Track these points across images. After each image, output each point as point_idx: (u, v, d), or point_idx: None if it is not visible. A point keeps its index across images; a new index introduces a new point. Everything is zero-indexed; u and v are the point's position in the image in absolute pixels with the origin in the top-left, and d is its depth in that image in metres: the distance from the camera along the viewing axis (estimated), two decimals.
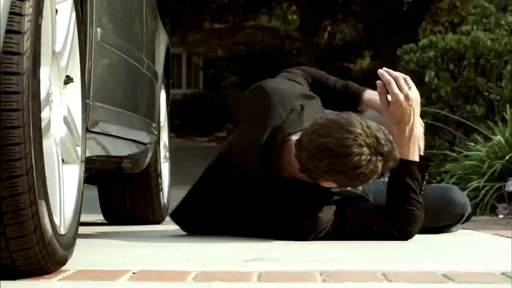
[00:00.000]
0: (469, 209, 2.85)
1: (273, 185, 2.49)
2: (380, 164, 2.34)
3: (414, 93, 2.55)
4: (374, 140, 2.33)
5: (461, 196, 2.85)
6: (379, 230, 2.53)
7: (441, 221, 2.79)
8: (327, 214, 2.48)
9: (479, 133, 4.67)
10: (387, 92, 2.55)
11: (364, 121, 2.36)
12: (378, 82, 2.55)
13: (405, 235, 2.53)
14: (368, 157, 2.32)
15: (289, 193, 2.50)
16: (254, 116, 2.59)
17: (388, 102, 2.55)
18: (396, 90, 2.53)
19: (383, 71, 2.56)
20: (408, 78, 2.56)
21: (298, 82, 2.74)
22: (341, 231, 2.51)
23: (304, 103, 2.59)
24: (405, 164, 2.52)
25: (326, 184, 2.43)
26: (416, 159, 2.56)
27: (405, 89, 2.53)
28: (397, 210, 2.54)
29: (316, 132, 2.37)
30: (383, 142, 2.34)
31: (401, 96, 2.52)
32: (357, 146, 2.32)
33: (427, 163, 2.58)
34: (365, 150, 2.32)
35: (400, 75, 2.55)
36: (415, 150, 2.57)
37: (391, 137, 2.38)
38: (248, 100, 2.65)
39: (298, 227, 2.49)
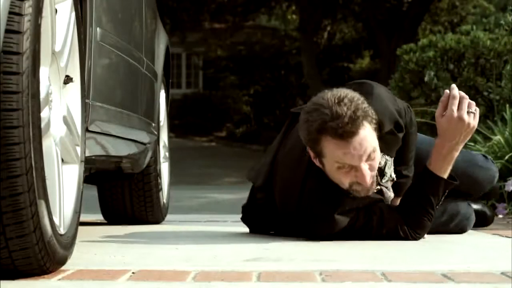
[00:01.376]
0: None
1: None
2: (344, 109, 2.35)
3: (473, 121, 2.56)
4: (336, 98, 2.37)
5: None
6: (387, 232, 2.56)
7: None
8: (344, 218, 2.52)
9: (479, 132, 4.67)
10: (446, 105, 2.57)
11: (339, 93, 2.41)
12: (446, 91, 2.58)
13: (411, 239, 2.59)
14: (326, 111, 2.34)
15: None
16: None
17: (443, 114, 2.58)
18: (454, 106, 2.54)
19: (455, 86, 2.58)
20: (474, 105, 2.57)
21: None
22: (351, 230, 2.54)
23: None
24: (432, 178, 2.56)
25: (330, 160, 2.42)
26: (445, 176, 2.58)
27: (463, 111, 2.54)
28: (411, 217, 2.59)
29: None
30: (344, 99, 2.37)
31: (455, 114, 2.53)
32: (323, 104, 2.37)
33: (452, 181, 2.60)
34: (328, 102, 2.37)
35: (466, 98, 2.56)
36: (447, 170, 2.58)
37: (358, 106, 2.37)
38: None
39: (316, 226, 2.55)
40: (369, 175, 2.40)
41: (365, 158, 2.38)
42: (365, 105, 2.38)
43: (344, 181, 2.43)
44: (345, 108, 2.34)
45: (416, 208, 2.58)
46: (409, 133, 2.69)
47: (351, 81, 2.74)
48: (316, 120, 2.36)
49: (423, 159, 2.67)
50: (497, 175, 3.06)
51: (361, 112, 2.36)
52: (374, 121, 2.40)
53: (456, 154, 2.59)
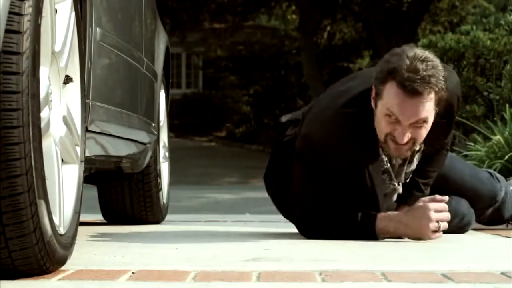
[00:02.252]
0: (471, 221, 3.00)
1: None
2: (423, 67, 2.40)
3: (433, 235, 2.56)
4: (424, 56, 2.44)
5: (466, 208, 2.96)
6: None
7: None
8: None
9: (479, 133, 4.68)
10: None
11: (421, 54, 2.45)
12: (439, 197, 2.59)
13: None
14: (407, 61, 2.41)
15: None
16: None
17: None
18: (435, 215, 2.55)
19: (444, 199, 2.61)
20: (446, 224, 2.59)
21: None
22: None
23: None
24: (370, 220, 2.60)
25: (384, 104, 2.45)
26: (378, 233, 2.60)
27: (435, 223, 2.55)
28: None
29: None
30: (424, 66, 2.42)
31: (432, 218, 2.54)
32: (408, 53, 2.44)
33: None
34: (414, 54, 2.44)
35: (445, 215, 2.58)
36: (386, 232, 2.61)
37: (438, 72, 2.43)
38: None
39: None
40: (407, 136, 2.44)
41: (413, 120, 2.43)
42: (443, 79, 2.43)
43: (384, 128, 2.48)
44: (424, 67, 2.40)
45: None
46: (442, 152, 2.74)
47: None
48: (393, 63, 2.43)
49: (447, 181, 2.77)
50: (501, 192, 3.04)
51: (435, 81, 2.41)
52: (441, 97, 2.45)
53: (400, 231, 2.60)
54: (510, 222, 3.14)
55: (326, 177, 2.58)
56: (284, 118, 2.88)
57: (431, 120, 2.47)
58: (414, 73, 2.40)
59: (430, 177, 2.76)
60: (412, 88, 2.39)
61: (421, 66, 2.41)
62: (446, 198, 2.59)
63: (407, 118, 2.42)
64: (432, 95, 2.42)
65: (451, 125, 2.71)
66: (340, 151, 2.55)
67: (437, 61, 2.46)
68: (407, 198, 2.70)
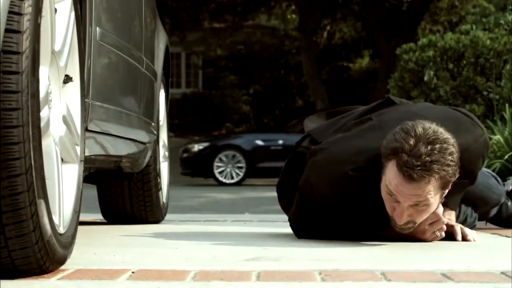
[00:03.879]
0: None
1: None
2: (426, 152, 2.26)
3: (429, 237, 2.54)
4: (432, 137, 2.30)
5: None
6: None
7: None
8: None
9: None
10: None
11: (430, 129, 2.31)
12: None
13: None
14: (412, 141, 2.28)
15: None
16: None
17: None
18: (433, 227, 2.52)
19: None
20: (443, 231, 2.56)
21: None
22: None
23: None
24: None
25: (385, 181, 2.36)
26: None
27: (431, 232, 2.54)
28: None
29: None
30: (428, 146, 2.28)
31: (427, 232, 2.52)
32: (416, 132, 2.31)
33: None
34: (421, 135, 2.30)
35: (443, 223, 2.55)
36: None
37: (449, 158, 2.29)
38: None
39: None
40: (405, 217, 2.35)
41: (411, 203, 2.34)
42: (451, 163, 2.29)
43: (386, 204, 2.39)
44: (428, 152, 2.25)
45: None
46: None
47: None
48: (397, 141, 2.30)
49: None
50: (503, 198, 3.09)
51: (437, 168, 2.26)
52: (447, 182, 2.32)
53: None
54: (487, 221, 3.16)
55: (323, 213, 2.56)
56: (307, 128, 2.79)
57: (435, 202, 2.36)
58: (415, 157, 2.26)
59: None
60: (409, 174, 2.26)
61: (424, 150, 2.26)
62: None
63: (405, 200, 2.33)
64: (433, 181, 2.28)
65: (473, 181, 2.62)
66: (341, 209, 2.50)
67: (448, 142, 2.30)
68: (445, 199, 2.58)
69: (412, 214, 2.36)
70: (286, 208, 2.81)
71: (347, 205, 2.49)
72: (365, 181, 2.42)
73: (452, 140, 2.31)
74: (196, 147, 14.23)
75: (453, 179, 2.33)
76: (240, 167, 13.93)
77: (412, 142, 2.27)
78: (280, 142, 14.00)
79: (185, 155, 14.22)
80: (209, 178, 13.97)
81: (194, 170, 13.83)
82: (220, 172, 13.89)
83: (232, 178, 13.87)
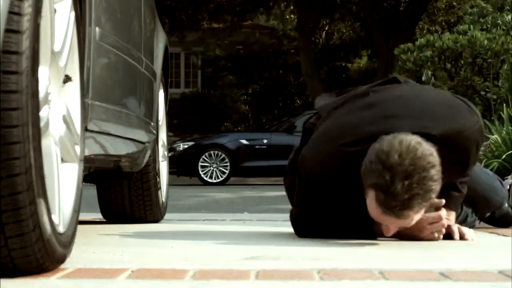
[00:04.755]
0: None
1: None
2: (404, 190, 2.21)
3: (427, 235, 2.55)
4: (408, 171, 2.22)
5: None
6: None
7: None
8: None
9: None
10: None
11: (411, 152, 2.24)
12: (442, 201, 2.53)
13: None
14: (388, 177, 2.22)
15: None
16: None
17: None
18: (432, 227, 2.53)
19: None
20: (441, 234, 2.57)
21: None
22: None
23: None
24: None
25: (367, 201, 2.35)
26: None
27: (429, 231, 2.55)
28: None
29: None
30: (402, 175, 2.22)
31: (426, 230, 2.53)
32: (391, 163, 2.24)
33: None
34: (397, 167, 2.23)
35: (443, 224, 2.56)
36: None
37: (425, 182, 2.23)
38: None
39: None
40: (390, 233, 2.38)
41: (397, 227, 2.36)
42: (434, 183, 2.24)
43: (372, 214, 2.36)
44: (405, 189, 2.20)
45: None
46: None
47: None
48: (374, 174, 2.24)
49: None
50: (505, 202, 3.10)
51: (418, 201, 2.23)
52: (429, 201, 2.29)
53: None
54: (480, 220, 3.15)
55: (320, 191, 2.55)
56: (316, 105, 2.76)
57: (418, 216, 2.33)
58: (392, 197, 2.21)
59: (467, 175, 2.68)
60: (388, 213, 2.26)
61: (402, 188, 2.19)
62: (443, 201, 2.54)
63: (389, 224, 2.34)
64: (415, 210, 2.26)
65: (466, 167, 2.59)
66: (332, 184, 2.49)
67: (427, 165, 2.23)
68: (446, 200, 2.56)
69: (398, 227, 2.38)
70: (288, 186, 2.80)
71: (338, 181, 2.45)
72: (355, 156, 2.37)
73: (430, 156, 2.25)
74: (181, 146, 14.23)
75: (437, 193, 2.28)
76: (225, 166, 13.92)
77: (388, 177, 2.21)
78: (265, 141, 14.00)
79: (170, 154, 14.25)
80: (194, 177, 13.97)
81: (179, 169, 13.82)
82: (205, 171, 13.88)
83: (218, 177, 13.87)
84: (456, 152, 2.44)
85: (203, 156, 13.93)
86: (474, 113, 2.52)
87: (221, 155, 13.96)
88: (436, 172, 2.25)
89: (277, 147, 13.86)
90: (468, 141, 2.49)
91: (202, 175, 13.86)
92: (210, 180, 13.82)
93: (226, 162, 13.93)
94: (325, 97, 2.83)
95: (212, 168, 13.92)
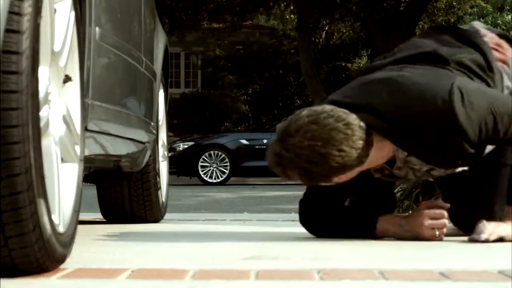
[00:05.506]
0: None
1: None
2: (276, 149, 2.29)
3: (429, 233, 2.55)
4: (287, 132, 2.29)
5: None
6: None
7: None
8: None
9: None
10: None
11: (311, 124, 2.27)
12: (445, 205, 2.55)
13: None
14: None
15: None
16: None
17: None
18: (430, 221, 2.54)
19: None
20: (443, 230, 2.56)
21: None
22: None
23: None
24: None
25: None
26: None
27: (429, 227, 2.54)
28: None
29: None
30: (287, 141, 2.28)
31: (425, 223, 2.52)
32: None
33: None
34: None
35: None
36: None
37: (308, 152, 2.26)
38: None
39: None
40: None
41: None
42: (305, 157, 2.26)
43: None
44: (278, 149, 2.30)
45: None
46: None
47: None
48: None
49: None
50: None
51: (303, 158, 2.26)
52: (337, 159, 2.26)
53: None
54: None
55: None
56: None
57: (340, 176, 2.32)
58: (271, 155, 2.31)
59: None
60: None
61: (276, 148, 2.29)
62: (447, 205, 2.56)
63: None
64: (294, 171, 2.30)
65: (465, 139, 2.37)
66: None
67: (309, 133, 2.25)
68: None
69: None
70: None
71: None
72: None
73: (350, 120, 2.29)
74: (181, 146, 14.23)
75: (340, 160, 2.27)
76: (225, 166, 13.90)
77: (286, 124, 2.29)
78: (265, 141, 13.99)
79: (170, 154, 14.24)
80: (194, 177, 13.96)
81: (179, 169, 13.81)
82: (205, 171, 13.86)
83: (218, 177, 13.85)
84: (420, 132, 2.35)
85: (203, 156, 13.92)
86: (449, 104, 2.33)
87: (221, 155, 13.95)
88: (343, 128, 2.26)
89: None
90: (446, 113, 2.33)
91: (202, 175, 13.85)
92: (210, 180, 13.81)
93: (226, 162, 13.93)
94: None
95: (212, 168, 13.92)
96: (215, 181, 13.84)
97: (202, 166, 13.89)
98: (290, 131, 2.29)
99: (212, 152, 13.99)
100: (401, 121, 2.36)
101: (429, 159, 2.46)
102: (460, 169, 2.60)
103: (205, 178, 13.83)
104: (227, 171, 13.93)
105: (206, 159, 13.94)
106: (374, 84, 2.47)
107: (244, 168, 13.97)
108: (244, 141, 14.16)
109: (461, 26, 2.73)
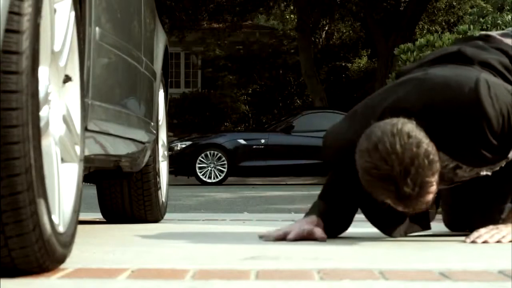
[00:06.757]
0: None
1: None
2: (411, 186, 2.22)
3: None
4: (404, 167, 2.21)
5: None
6: None
7: None
8: None
9: None
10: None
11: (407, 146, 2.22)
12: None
13: None
14: (392, 186, 2.22)
15: None
16: None
17: None
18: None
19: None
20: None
21: None
22: None
23: None
24: None
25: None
26: None
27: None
28: None
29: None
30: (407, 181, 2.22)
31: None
32: (387, 171, 2.23)
33: None
34: (393, 171, 2.22)
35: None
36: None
37: (424, 180, 2.23)
38: None
39: None
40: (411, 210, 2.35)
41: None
42: (430, 157, 2.23)
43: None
44: (411, 185, 2.20)
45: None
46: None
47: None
48: (378, 191, 2.25)
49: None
50: None
51: (428, 186, 2.23)
52: (437, 169, 2.26)
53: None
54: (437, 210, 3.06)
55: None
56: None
57: (435, 190, 2.30)
58: (406, 199, 2.23)
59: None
60: (409, 206, 2.26)
61: (408, 187, 2.20)
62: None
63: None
64: (430, 185, 2.25)
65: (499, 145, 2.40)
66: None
67: (419, 147, 2.22)
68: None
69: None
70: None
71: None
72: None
73: (409, 138, 2.23)
74: (179, 146, 14.20)
75: (440, 165, 2.28)
76: (223, 166, 13.87)
77: (392, 188, 2.22)
78: (263, 141, 13.97)
79: (168, 153, 14.18)
80: (191, 176, 13.94)
81: (177, 168, 13.79)
82: (202, 171, 13.82)
83: (216, 177, 13.82)
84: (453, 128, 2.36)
85: (201, 156, 13.87)
86: (475, 92, 2.36)
87: (218, 155, 13.92)
88: (425, 146, 2.23)
89: (275, 147, 13.84)
90: (460, 117, 2.36)
91: (200, 175, 13.81)
92: (208, 180, 13.78)
93: (223, 162, 13.90)
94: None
95: (210, 168, 13.88)
96: (213, 181, 13.81)
97: (200, 167, 13.85)
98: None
99: (209, 152, 13.96)
100: (428, 113, 2.37)
101: (455, 152, 2.45)
102: (484, 172, 2.57)
103: (203, 178, 13.80)
104: (225, 171, 13.91)
105: (204, 159, 13.91)
106: (397, 86, 2.51)
107: (242, 168, 13.95)
108: (242, 141, 14.13)
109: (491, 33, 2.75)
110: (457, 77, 2.43)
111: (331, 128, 2.70)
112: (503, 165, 2.55)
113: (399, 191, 2.22)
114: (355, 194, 2.54)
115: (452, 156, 2.46)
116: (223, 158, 13.87)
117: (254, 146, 13.97)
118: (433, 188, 2.28)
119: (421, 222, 2.67)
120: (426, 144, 2.25)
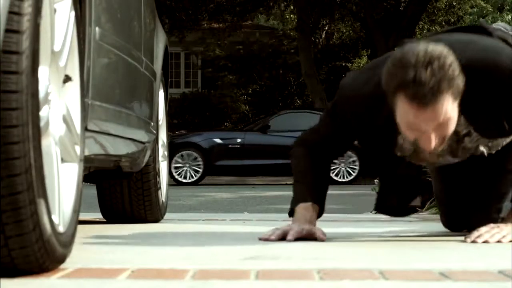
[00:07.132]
0: None
1: None
2: (429, 76, 2.21)
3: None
4: (427, 58, 2.22)
5: None
6: None
7: None
8: None
9: None
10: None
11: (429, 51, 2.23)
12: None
13: None
14: (410, 71, 2.21)
15: None
16: None
17: None
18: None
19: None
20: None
21: None
22: None
23: None
24: None
25: (401, 117, 2.33)
26: None
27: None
28: None
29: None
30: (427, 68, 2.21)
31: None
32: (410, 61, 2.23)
33: None
34: (417, 61, 2.22)
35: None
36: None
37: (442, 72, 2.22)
38: None
39: None
40: (433, 142, 2.32)
41: (434, 126, 2.29)
42: (455, 72, 2.23)
43: (410, 136, 2.35)
44: (430, 75, 2.19)
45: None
46: None
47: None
48: (397, 77, 2.24)
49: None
50: None
51: (446, 84, 2.21)
52: (458, 93, 2.26)
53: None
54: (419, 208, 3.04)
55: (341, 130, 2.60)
56: None
57: (454, 115, 2.30)
58: (420, 85, 2.20)
59: None
60: (423, 101, 2.22)
61: (427, 75, 2.19)
62: None
63: (428, 126, 2.28)
64: (447, 97, 2.24)
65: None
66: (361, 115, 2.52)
67: (444, 53, 2.24)
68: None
69: (437, 134, 2.32)
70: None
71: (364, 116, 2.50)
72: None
73: (445, 50, 2.26)
74: None
75: (462, 86, 2.27)
76: (199, 165, 13.73)
77: (411, 72, 2.21)
78: (239, 140, 13.89)
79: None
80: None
81: None
82: (178, 171, 13.67)
83: (191, 177, 13.67)
84: (490, 93, 2.36)
85: (176, 156, 13.60)
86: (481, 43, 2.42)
87: (194, 154, 13.73)
88: (454, 61, 2.24)
89: (251, 146, 13.75)
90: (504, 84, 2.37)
91: (176, 175, 13.55)
92: (183, 180, 13.56)
93: (199, 161, 13.72)
94: None
95: (185, 168, 13.70)
96: (189, 181, 13.60)
97: (176, 166, 13.62)
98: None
99: (185, 151, 13.76)
100: (469, 70, 2.34)
101: (477, 115, 2.45)
102: (481, 149, 2.56)
103: (179, 178, 13.57)
104: (200, 171, 13.73)
105: (179, 158, 13.70)
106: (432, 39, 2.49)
107: (218, 167, 13.78)
108: (218, 140, 13.97)
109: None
110: (499, 45, 2.45)
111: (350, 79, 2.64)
112: (503, 144, 2.55)
113: (417, 73, 2.20)
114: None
115: (471, 120, 2.45)
116: (199, 158, 13.69)
117: (230, 146, 13.84)
118: (449, 104, 2.25)
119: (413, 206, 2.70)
120: (456, 64, 2.25)
